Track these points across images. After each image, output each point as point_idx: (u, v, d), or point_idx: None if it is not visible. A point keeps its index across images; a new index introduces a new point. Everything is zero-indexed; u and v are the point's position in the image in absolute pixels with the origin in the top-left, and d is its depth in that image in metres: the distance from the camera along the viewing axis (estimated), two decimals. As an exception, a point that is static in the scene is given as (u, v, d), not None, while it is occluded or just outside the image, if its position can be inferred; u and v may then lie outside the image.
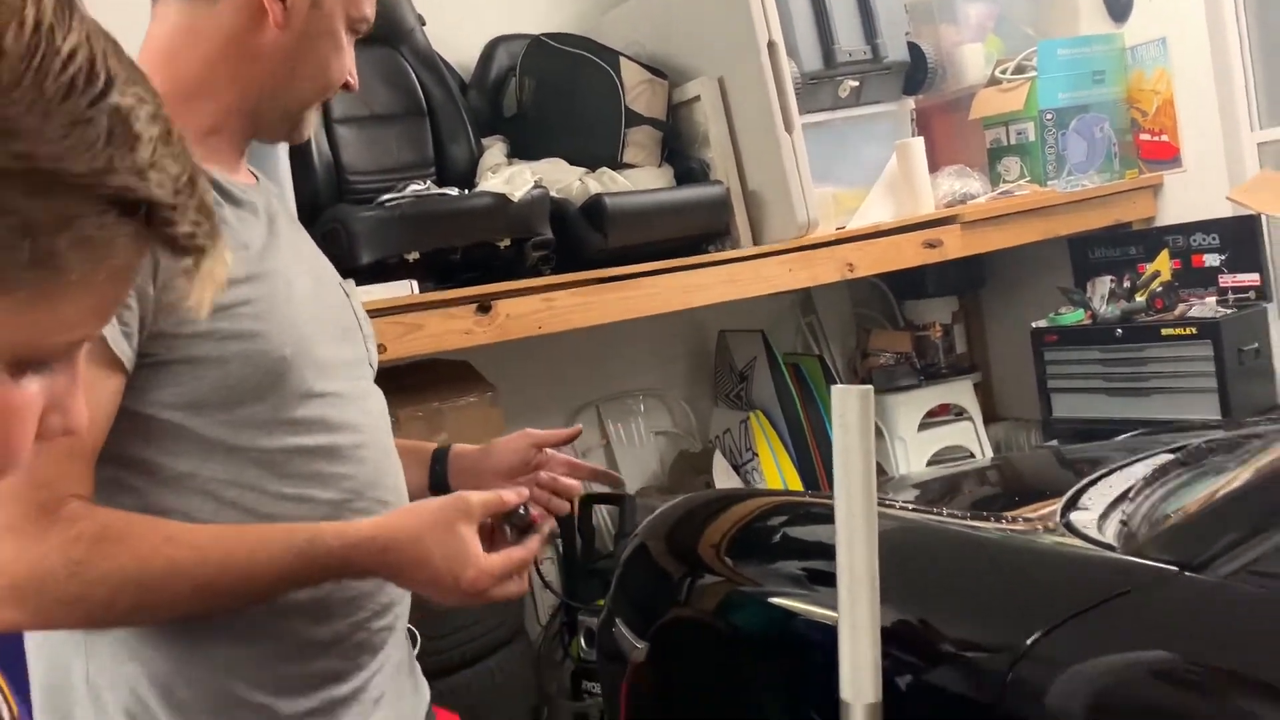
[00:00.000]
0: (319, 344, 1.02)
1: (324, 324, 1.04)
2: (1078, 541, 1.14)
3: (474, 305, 2.02)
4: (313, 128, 1.14)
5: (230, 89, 1.02)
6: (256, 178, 1.12)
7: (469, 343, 2.04)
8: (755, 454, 2.72)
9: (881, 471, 2.85)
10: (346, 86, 1.09)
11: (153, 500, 0.94)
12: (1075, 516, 1.21)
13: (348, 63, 1.08)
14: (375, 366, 1.15)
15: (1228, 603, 0.93)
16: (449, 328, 2.01)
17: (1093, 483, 1.34)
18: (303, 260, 1.08)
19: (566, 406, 2.88)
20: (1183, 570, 0.98)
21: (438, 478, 1.25)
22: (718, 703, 1.60)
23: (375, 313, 1.95)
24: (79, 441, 0.86)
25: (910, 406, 2.92)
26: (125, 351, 0.90)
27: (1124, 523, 1.14)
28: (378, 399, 1.11)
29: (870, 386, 1.01)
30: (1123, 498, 1.24)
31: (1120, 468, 1.38)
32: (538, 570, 2.83)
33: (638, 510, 2.57)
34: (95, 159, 0.44)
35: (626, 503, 2.64)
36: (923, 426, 2.92)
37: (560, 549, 2.70)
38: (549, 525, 1.03)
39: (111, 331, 0.88)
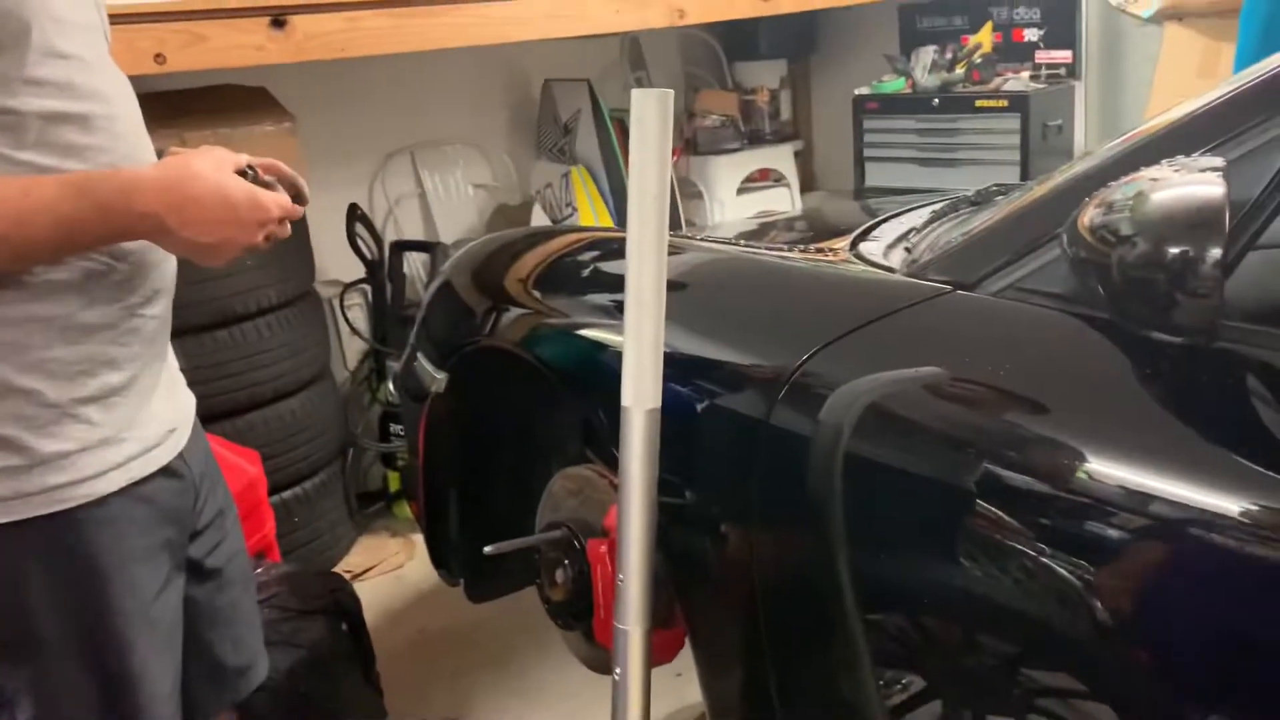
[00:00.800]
0: (68, 3, 0.90)
1: None
2: (862, 267, 1.16)
3: (267, 18, 1.84)
4: None
5: None
6: None
7: (261, 60, 1.87)
8: (575, 209, 2.68)
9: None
10: None
11: None
12: (864, 246, 1.24)
13: None
14: (109, 40, 1.03)
15: (993, 318, 0.97)
16: (238, 41, 1.83)
17: (884, 221, 1.37)
18: None
19: (376, 150, 2.74)
20: (955, 289, 1.01)
21: None
22: (512, 426, 1.63)
23: (154, 17, 1.77)
24: None
25: (731, 170, 2.92)
26: None
27: (907, 249, 1.17)
28: (122, 75, 1.00)
29: (671, 90, 0.97)
30: (910, 232, 1.27)
31: (913, 209, 1.41)
32: (344, 316, 2.77)
33: (449, 257, 2.52)
34: None
35: (438, 250, 2.58)
36: (741, 190, 2.94)
37: (369, 296, 2.63)
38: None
39: None
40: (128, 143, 0.96)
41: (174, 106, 2.12)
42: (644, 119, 0.95)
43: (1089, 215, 0.80)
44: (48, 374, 0.92)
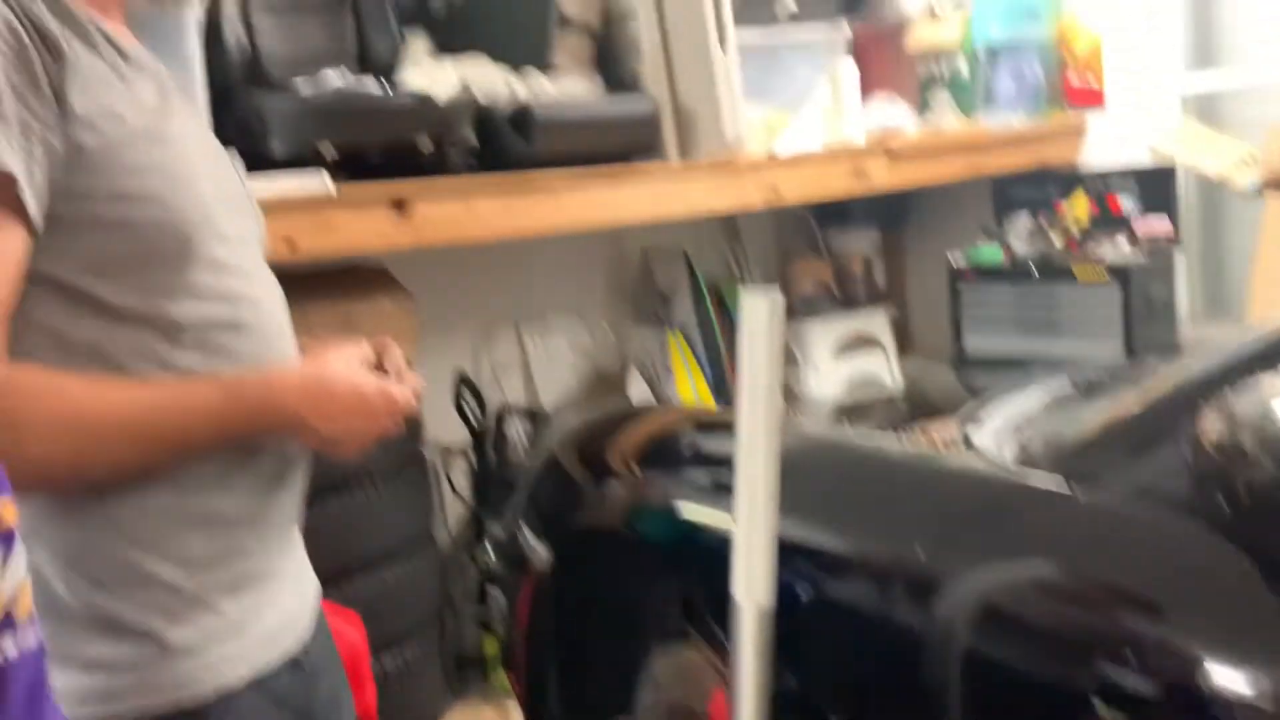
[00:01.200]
0: (219, 213, 0.99)
1: (222, 194, 1.01)
2: (975, 459, 1.16)
3: (390, 204, 1.97)
4: None
5: None
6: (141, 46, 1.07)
7: (384, 245, 1.99)
8: (672, 375, 2.73)
9: (795, 396, 2.89)
10: None
11: (57, 369, 0.92)
12: (972, 433, 1.24)
13: None
14: (265, 246, 1.13)
15: (1110, 519, 0.96)
16: (364, 227, 1.95)
17: (991, 402, 1.37)
18: (197, 129, 1.04)
19: (484, 319, 2.85)
20: (1072, 487, 1.01)
21: None
22: (619, 608, 1.63)
23: (286, 206, 1.90)
24: None
25: (826, 334, 2.95)
26: (33, 205, 0.86)
27: (1020, 442, 1.17)
28: (273, 280, 1.09)
29: (780, 295, 1.00)
30: (1020, 418, 1.26)
31: (1019, 390, 1.41)
32: (449, 480, 2.84)
33: (552, 424, 2.57)
34: None
35: (541, 417, 2.64)
36: (837, 355, 2.96)
37: (473, 461, 2.69)
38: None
39: (23, 190, 0.84)
40: (275, 345, 1.03)
41: (301, 287, 2.25)
42: (753, 321, 0.98)
43: (1211, 426, 0.79)
44: (185, 564, 0.96)
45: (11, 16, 0.86)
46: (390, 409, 1.02)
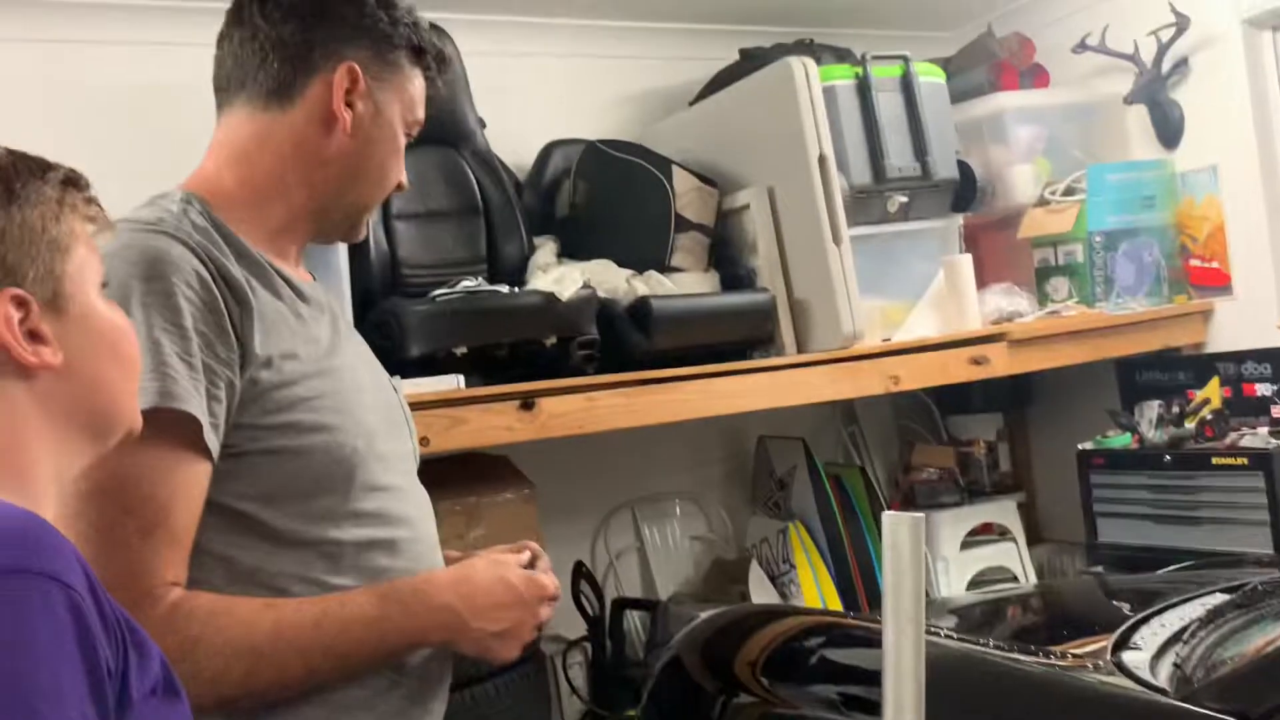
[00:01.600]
0: (380, 438, 1.04)
1: (382, 419, 1.07)
2: (1129, 683, 1.10)
3: (517, 402, 2.03)
4: (367, 228, 1.19)
5: (300, 191, 1.06)
6: (313, 277, 1.16)
7: (510, 439, 2.04)
8: (793, 566, 2.67)
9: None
10: (399, 187, 1.14)
11: (214, 590, 0.96)
12: (1127, 656, 1.17)
13: (403, 165, 1.14)
14: (418, 460, 1.18)
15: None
16: (492, 423, 2.01)
17: (1144, 620, 1.30)
18: (361, 357, 1.11)
19: (601, 506, 2.87)
20: (1240, 722, 0.94)
21: None
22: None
23: (421, 405, 1.97)
24: (176, 530, 0.89)
25: (953, 525, 2.86)
26: (213, 442, 0.92)
27: (1178, 666, 1.10)
28: (424, 494, 1.13)
29: (922, 516, 0.99)
30: (1176, 639, 1.20)
31: (1173, 605, 1.33)
32: (565, 675, 2.80)
33: (670, 617, 2.53)
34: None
35: (659, 609, 2.60)
36: (965, 545, 2.86)
37: (589, 654, 2.65)
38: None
39: (205, 430, 0.91)
40: (426, 559, 1.07)
41: (428, 472, 2.32)
42: (897, 543, 0.97)
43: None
44: None
45: (201, 268, 0.95)
46: (540, 593, 1.04)
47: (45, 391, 0.78)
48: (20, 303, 0.77)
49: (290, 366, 0.98)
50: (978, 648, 1.32)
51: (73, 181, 0.84)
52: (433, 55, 1.15)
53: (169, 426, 0.88)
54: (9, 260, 0.77)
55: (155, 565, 0.89)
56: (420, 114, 1.15)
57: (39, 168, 0.82)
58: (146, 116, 2.29)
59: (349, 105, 1.07)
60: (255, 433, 0.96)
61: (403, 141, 1.13)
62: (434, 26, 1.23)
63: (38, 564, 0.66)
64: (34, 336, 0.78)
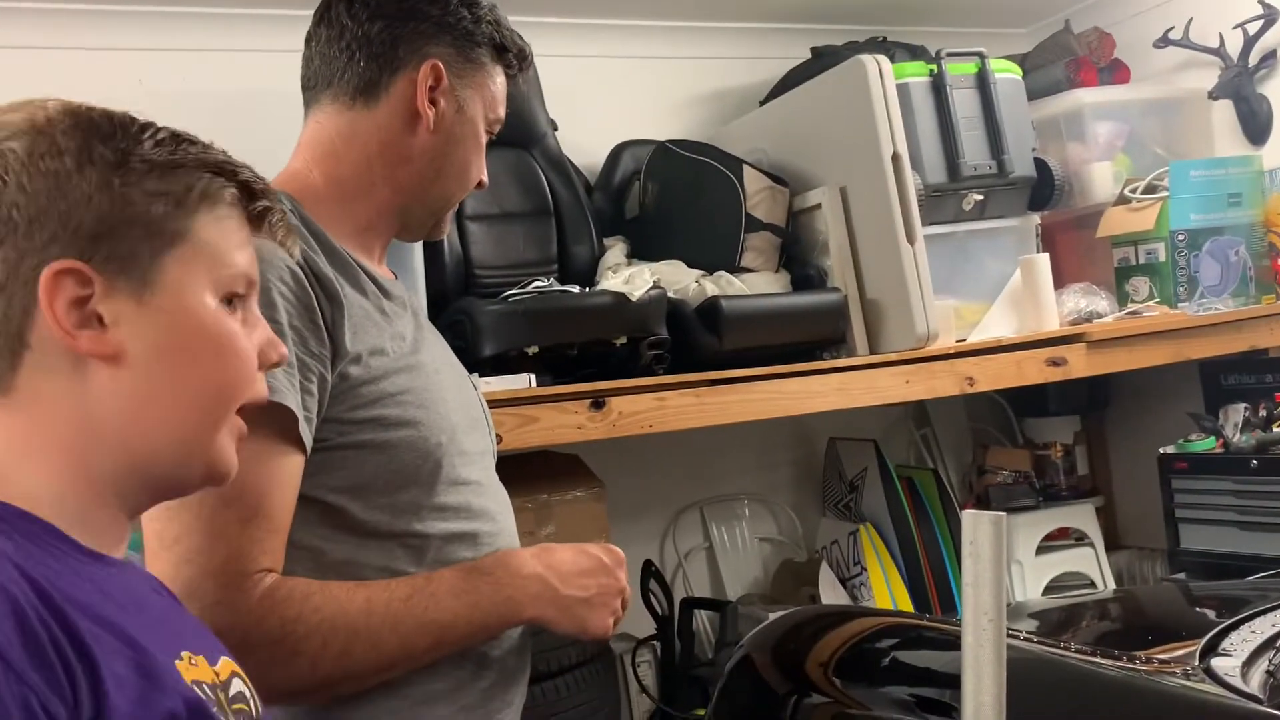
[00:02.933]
0: (462, 433, 1.06)
1: (463, 415, 1.08)
2: (1219, 689, 1.07)
3: (588, 401, 2.04)
4: (449, 225, 1.21)
5: (384, 188, 1.08)
6: (395, 275, 1.18)
7: (581, 438, 2.05)
8: (864, 568, 2.65)
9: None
10: (479, 185, 1.16)
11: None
12: (1216, 662, 1.14)
13: (484, 163, 1.15)
14: (496, 457, 1.19)
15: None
16: (562, 422, 2.03)
17: (1234, 626, 1.26)
18: (442, 354, 1.13)
19: (670, 506, 2.87)
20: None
21: None
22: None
23: (494, 404, 2.00)
24: (274, 519, 0.91)
25: (1029, 528, 2.81)
26: (307, 435, 0.95)
27: (1271, 673, 1.07)
28: (503, 489, 1.14)
29: (1004, 514, 0.98)
30: (1269, 645, 1.16)
31: (1264, 611, 1.29)
32: (635, 673, 2.80)
33: (739, 618, 2.52)
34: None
35: (727, 610, 2.59)
36: (1041, 550, 2.81)
37: (658, 653, 2.66)
38: None
39: (300, 423, 0.94)
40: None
41: (499, 475, 2.35)
42: (977, 540, 0.95)
43: None
44: None
45: (294, 265, 0.97)
46: (619, 558, 1.06)
47: (100, 385, 0.69)
48: (81, 278, 0.69)
49: (378, 362, 1.00)
50: (1058, 651, 1.29)
51: (229, 174, 0.77)
52: (514, 53, 1.17)
53: (267, 419, 0.91)
54: (85, 228, 0.69)
55: (254, 552, 0.91)
56: (501, 112, 1.16)
57: (182, 147, 0.75)
58: (235, 121, 2.35)
59: (432, 102, 1.08)
60: (343, 426, 0.98)
61: (484, 139, 1.15)
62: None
63: None
64: (89, 320, 0.69)
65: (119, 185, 0.71)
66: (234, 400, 0.76)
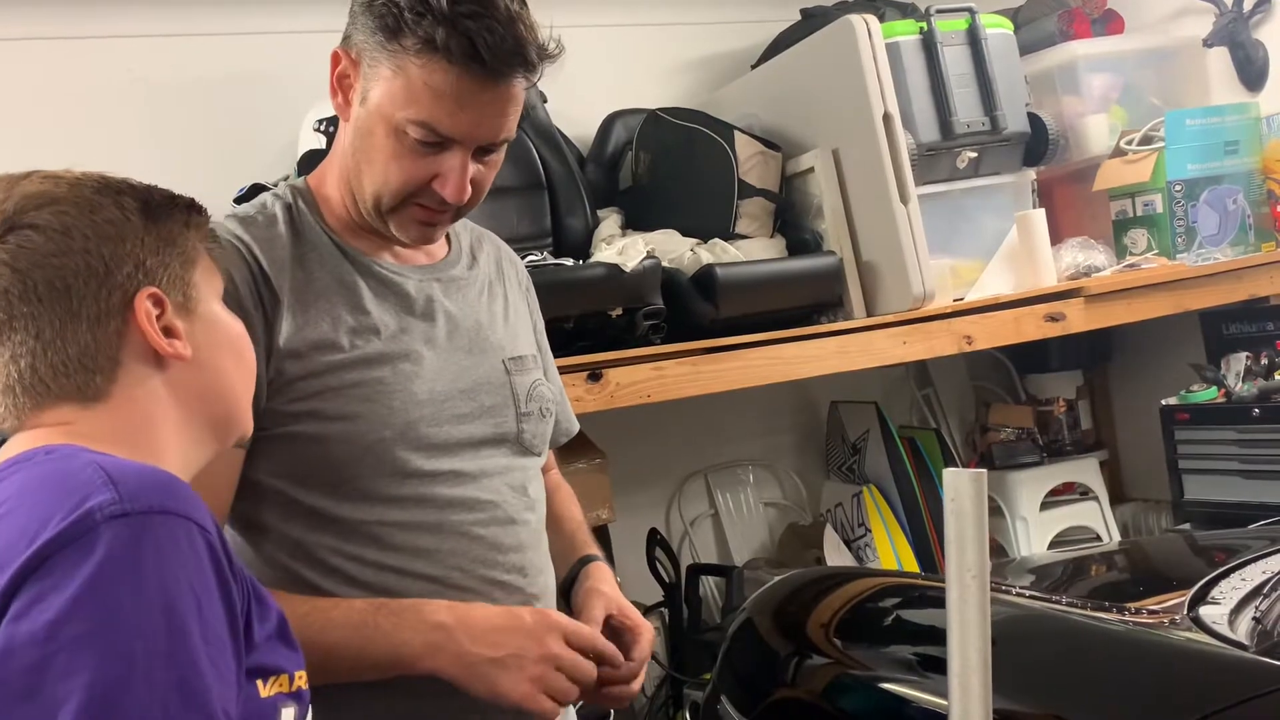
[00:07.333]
0: (439, 425, 1.05)
1: (449, 405, 1.07)
2: (1206, 638, 1.08)
3: (585, 373, 2.05)
4: (419, 235, 1.10)
5: (343, 185, 1.09)
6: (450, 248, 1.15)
7: (579, 410, 2.06)
8: (868, 530, 2.66)
9: (1001, 553, 2.75)
10: (436, 193, 1.03)
11: (269, 559, 1.00)
12: (1204, 611, 1.15)
13: (421, 169, 1.03)
14: (529, 442, 1.14)
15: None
16: (561, 395, 2.04)
17: (1224, 575, 1.27)
18: (456, 337, 1.10)
19: (674, 475, 2.88)
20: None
21: (567, 583, 1.26)
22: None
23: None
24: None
25: (1032, 485, 2.82)
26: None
27: (1258, 620, 1.08)
28: (516, 474, 1.12)
29: (984, 470, 0.98)
30: (1256, 593, 1.17)
31: (1253, 560, 1.30)
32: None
33: (745, 582, 2.54)
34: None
35: (734, 574, 2.61)
36: (1045, 506, 2.82)
37: (666, 619, 2.68)
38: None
39: None
40: (486, 545, 1.08)
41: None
42: (958, 498, 0.96)
43: None
44: None
45: (242, 265, 0.98)
46: (549, 626, 0.98)
47: (177, 380, 0.87)
48: (157, 300, 0.86)
49: (322, 358, 1.01)
50: (1050, 605, 1.31)
51: (194, 208, 0.93)
52: (456, 42, 0.98)
53: None
54: (148, 264, 0.87)
55: None
56: (425, 112, 0.99)
57: (167, 195, 0.92)
58: (226, 104, 2.35)
59: (343, 90, 1.03)
60: (278, 417, 1.00)
61: (413, 138, 1.00)
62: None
63: (181, 508, 0.74)
64: (168, 332, 0.87)
65: (154, 223, 0.88)
66: (253, 372, 0.95)
